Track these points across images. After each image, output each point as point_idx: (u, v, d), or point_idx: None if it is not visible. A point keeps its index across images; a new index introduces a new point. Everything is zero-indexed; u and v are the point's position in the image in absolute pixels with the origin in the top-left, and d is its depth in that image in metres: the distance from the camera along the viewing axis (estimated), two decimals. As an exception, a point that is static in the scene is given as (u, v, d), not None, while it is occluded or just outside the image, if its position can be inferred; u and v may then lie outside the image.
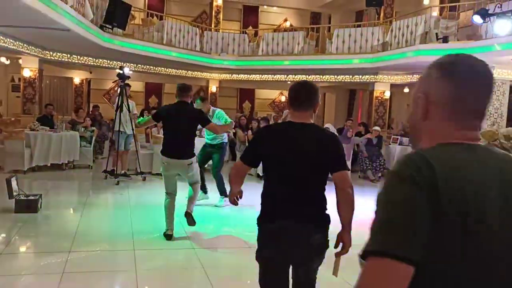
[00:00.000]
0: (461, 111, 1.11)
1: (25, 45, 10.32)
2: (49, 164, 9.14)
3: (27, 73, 11.86)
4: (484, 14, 8.55)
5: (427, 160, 1.00)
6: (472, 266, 0.99)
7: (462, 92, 1.10)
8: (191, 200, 5.41)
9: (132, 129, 8.93)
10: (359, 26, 13.17)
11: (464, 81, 1.10)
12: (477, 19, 8.65)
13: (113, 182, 8.32)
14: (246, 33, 15.24)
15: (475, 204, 0.98)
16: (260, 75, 15.69)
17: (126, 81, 8.55)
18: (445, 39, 9.82)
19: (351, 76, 14.07)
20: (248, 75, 15.78)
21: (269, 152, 2.54)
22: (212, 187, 7.13)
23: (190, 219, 5.30)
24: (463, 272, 0.99)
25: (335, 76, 14.39)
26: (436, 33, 10.09)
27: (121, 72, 8.46)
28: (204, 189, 6.94)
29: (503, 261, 1.01)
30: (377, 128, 11.21)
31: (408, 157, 1.04)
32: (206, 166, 7.22)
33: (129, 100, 8.70)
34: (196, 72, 15.66)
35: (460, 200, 0.97)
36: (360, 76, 13.88)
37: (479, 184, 1.01)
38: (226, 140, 7.13)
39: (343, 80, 14.47)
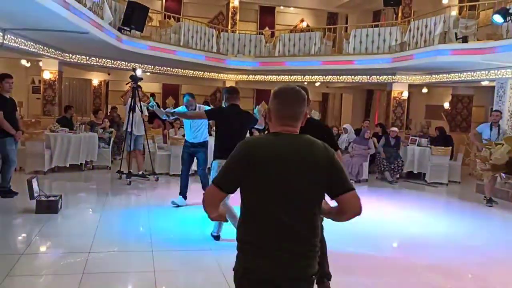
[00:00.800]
0: (281, 116, 2.06)
1: (45, 48, 10.48)
2: (67, 165, 9.26)
3: (47, 75, 12.04)
4: (505, 13, 8.41)
5: (246, 142, 2.03)
6: (264, 187, 1.96)
7: (280, 105, 2.06)
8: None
9: (145, 130, 9.05)
10: (376, 26, 13.06)
11: (280, 99, 2.07)
12: (498, 18, 8.51)
13: (127, 183, 8.47)
14: (262, 34, 15.24)
15: (270, 161, 1.95)
16: (277, 76, 15.67)
17: (139, 83, 8.69)
18: (464, 39, 9.68)
19: (368, 77, 13.97)
20: (265, 76, 15.78)
21: None
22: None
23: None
24: (260, 190, 1.97)
25: (352, 77, 14.30)
26: (456, 33, 9.95)
27: (133, 74, 8.60)
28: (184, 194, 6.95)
29: (286, 185, 1.95)
30: (394, 128, 11.11)
31: (242, 141, 2.06)
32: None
33: (141, 102, 8.82)
34: (212, 73, 15.72)
35: (259, 159, 1.95)
36: (378, 77, 13.77)
37: (275, 151, 1.97)
38: (208, 138, 7.07)
39: (360, 81, 14.38)
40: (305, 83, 15.53)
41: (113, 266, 4.46)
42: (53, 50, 11.00)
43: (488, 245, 5.99)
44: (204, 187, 6.54)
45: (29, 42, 9.52)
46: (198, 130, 6.84)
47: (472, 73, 11.19)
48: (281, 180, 1.94)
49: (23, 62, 13.15)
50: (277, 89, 2.10)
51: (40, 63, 12.19)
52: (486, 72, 10.62)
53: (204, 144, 6.96)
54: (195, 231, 5.67)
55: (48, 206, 6.07)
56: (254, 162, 1.94)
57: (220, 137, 5.17)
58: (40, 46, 10.19)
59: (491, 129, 8.67)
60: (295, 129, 2.07)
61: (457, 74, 11.82)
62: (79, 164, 9.48)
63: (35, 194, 6.15)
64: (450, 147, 10.61)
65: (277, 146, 1.99)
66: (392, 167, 10.37)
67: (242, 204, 2.02)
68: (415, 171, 10.74)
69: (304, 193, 1.97)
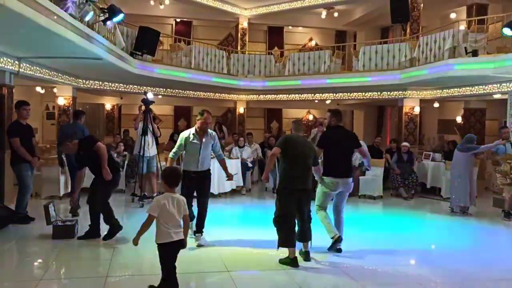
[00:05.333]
0: (295, 129, 5.83)
1: (59, 74, 10.65)
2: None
3: (61, 101, 12.22)
4: (515, 26, 8.40)
5: (286, 135, 6.05)
6: (291, 158, 5.42)
7: (295, 125, 5.85)
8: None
9: (157, 151, 9.17)
10: (385, 42, 13.11)
11: (295, 125, 5.86)
12: (507, 31, 8.51)
13: (140, 205, 8.57)
14: (272, 54, 15.36)
15: (294, 145, 5.45)
16: (287, 95, 15.74)
17: (150, 106, 8.88)
18: (474, 53, 9.67)
19: (379, 93, 13.97)
20: (275, 95, 15.85)
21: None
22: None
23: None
24: (288, 158, 5.44)
25: (363, 94, 14.31)
26: (465, 47, 9.94)
27: (145, 97, 8.75)
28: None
29: (301, 158, 5.42)
30: (405, 143, 11.06)
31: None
32: None
33: (152, 124, 8.99)
34: (224, 94, 15.85)
35: (290, 143, 5.45)
36: (388, 93, 13.76)
37: (296, 141, 5.49)
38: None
39: (371, 97, 14.38)
40: (316, 101, 15.58)
41: (131, 290, 4.46)
42: (67, 76, 11.19)
43: (506, 260, 5.89)
44: (202, 217, 6.20)
45: (44, 70, 9.69)
46: (206, 157, 6.19)
47: (484, 86, 11.13)
48: (298, 152, 5.39)
49: (38, 89, 13.38)
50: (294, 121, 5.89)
51: (55, 90, 12.39)
52: (498, 85, 10.57)
53: (209, 171, 6.30)
54: (210, 253, 5.65)
55: (65, 231, 6.12)
56: (287, 144, 5.40)
57: (330, 157, 6.12)
58: (55, 73, 10.37)
59: (505, 145, 8.61)
60: (302, 133, 5.67)
61: (468, 88, 11.77)
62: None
63: (52, 220, 6.20)
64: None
65: (299, 138, 5.52)
66: (407, 183, 10.29)
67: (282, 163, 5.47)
68: (428, 186, 10.68)
69: (307, 159, 5.41)
